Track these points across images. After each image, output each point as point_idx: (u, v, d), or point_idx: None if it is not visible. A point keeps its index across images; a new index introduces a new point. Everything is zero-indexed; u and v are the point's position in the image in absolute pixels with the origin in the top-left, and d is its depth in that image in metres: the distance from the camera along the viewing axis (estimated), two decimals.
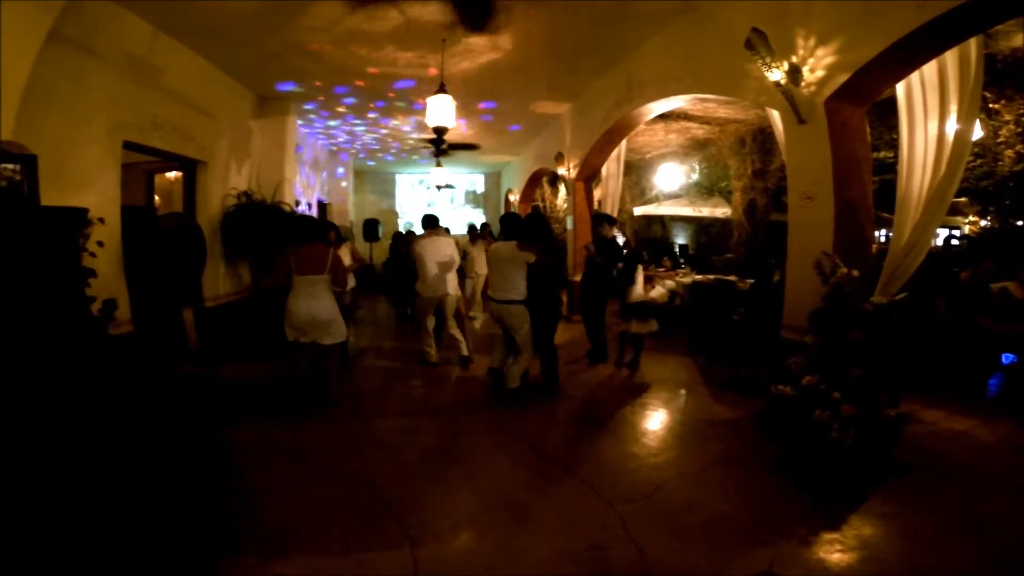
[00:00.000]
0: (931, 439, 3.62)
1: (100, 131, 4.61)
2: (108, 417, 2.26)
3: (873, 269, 3.99)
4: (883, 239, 8.46)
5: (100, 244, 3.73)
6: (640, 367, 5.52)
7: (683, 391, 4.86)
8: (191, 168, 6.41)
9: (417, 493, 2.99)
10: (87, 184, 4.41)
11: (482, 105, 8.50)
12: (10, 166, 2.15)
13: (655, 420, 4.21)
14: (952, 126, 3.73)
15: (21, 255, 2.07)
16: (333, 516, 2.76)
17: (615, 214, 8.84)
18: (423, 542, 2.51)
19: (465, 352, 5.66)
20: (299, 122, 8.89)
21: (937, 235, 7.57)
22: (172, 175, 7.72)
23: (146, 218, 5.79)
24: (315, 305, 4.18)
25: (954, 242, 8.05)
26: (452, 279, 5.62)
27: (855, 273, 3.45)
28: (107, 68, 4.61)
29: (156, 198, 7.64)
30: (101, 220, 3.94)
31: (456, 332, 5.70)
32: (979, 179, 6.89)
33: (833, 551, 2.38)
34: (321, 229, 4.66)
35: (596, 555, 2.40)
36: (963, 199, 7.45)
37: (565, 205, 11.60)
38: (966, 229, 9.33)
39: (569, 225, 9.02)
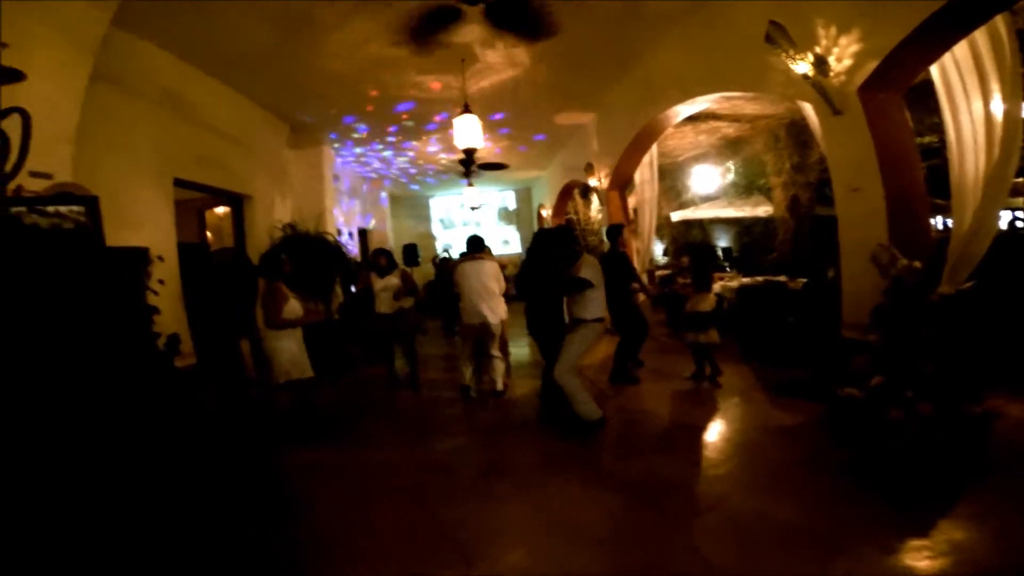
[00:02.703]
0: (1020, 434, 3.35)
1: (151, 169, 4.85)
2: (179, 447, 2.35)
3: (936, 258, 3.78)
4: (940, 226, 8.03)
5: (161, 282, 3.93)
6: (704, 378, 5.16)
7: (740, 399, 4.69)
8: (238, 203, 6.72)
9: (469, 512, 2.97)
10: (144, 223, 4.65)
11: (506, 120, 8.59)
12: (76, 208, 2.27)
13: (713, 431, 4.07)
14: (998, 106, 3.55)
15: (93, 296, 2.19)
16: (388, 536, 2.77)
17: (653, 221, 8.73)
18: (477, 561, 2.48)
19: (500, 386, 5.27)
20: (333, 150, 9.18)
21: (1000, 218, 7.15)
22: (220, 211, 8.11)
23: (200, 254, 6.09)
24: (300, 343, 4.17)
25: (1019, 224, 7.57)
26: (496, 306, 5.20)
27: (917, 264, 3.28)
28: (148, 105, 4.84)
29: (208, 234, 8.04)
30: (160, 258, 4.15)
31: (497, 362, 5.31)
32: None
33: (921, 557, 2.21)
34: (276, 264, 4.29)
35: (661, 569, 2.31)
36: (1021, 179, 7.04)
37: (600, 216, 11.54)
38: None
39: (605, 236, 8.96)
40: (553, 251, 4.26)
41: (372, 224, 12.67)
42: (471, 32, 5.20)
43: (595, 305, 4.08)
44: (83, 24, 3.42)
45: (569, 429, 4.03)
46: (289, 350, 4.05)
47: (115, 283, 2.36)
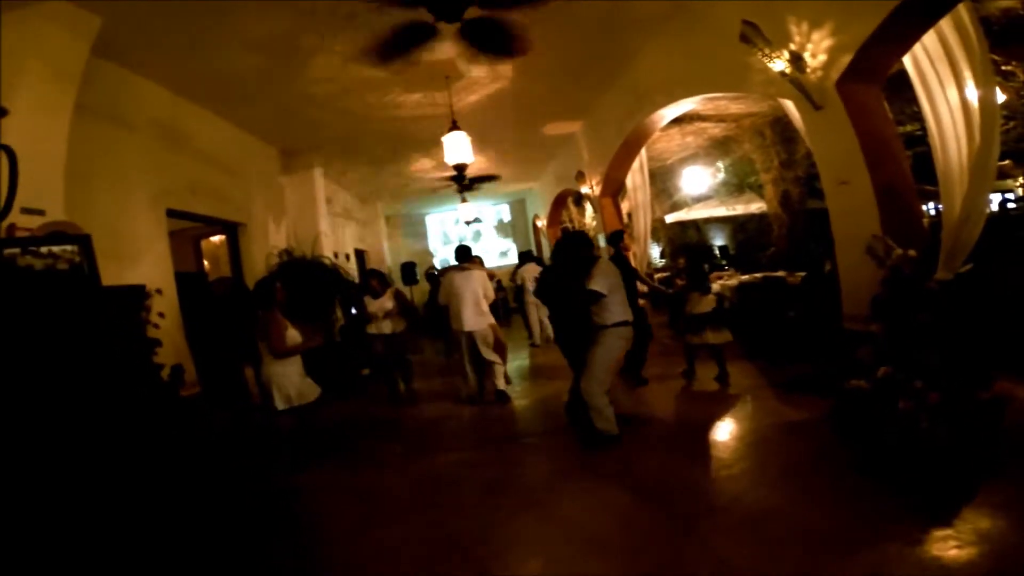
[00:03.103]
0: None
1: (144, 201, 4.83)
2: (186, 473, 2.34)
3: (930, 245, 3.80)
4: (932, 212, 8.09)
5: (161, 315, 3.93)
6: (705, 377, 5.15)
7: (747, 397, 4.67)
8: (233, 231, 6.73)
9: (481, 525, 2.94)
10: (140, 256, 4.63)
11: (495, 133, 8.64)
12: (69, 248, 2.27)
13: (722, 430, 4.05)
14: (973, 93, 3.59)
15: (91, 336, 2.18)
16: (401, 554, 2.74)
17: (647, 225, 8.76)
18: (492, 574, 2.45)
19: (501, 385, 5.35)
20: (323, 172, 9.20)
21: (990, 202, 7.22)
22: (217, 239, 8.11)
23: (198, 283, 6.09)
24: (300, 369, 4.15)
25: (1010, 205, 7.63)
26: (482, 314, 5.32)
27: (912, 253, 3.30)
28: (137, 137, 4.83)
29: (205, 263, 8.03)
30: (159, 291, 4.16)
31: (496, 367, 5.36)
32: (1017, 141, 6.64)
33: (948, 548, 2.17)
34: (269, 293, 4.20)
35: (677, 573, 2.29)
36: (1007, 162, 7.12)
37: (594, 223, 11.58)
38: (1020, 191, 8.84)
39: (602, 243, 8.99)
40: (567, 259, 4.11)
41: (368, 244, 12.69)
42: (449, 49, 5.25)
43: (616, 309, 3.89)
44: (64, 56, 3.41)
45: (585, 439, 3.96)
46: (288, 376, 4.03)
47: (112, 322, 2.35)
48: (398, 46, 4.97)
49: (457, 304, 5.23)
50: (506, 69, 6.00)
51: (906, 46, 3.68)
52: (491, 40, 5.04)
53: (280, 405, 3.98)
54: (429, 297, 9.76)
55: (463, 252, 5.66)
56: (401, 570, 2.60)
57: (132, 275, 4.19)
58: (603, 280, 3.85)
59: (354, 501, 3.49)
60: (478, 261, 5.84)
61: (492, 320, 5.46)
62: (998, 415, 2.91)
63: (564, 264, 4.15)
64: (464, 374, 5.48)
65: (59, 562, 1.78)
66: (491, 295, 5.46)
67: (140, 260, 4.64)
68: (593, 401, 3.85)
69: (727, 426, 4.11)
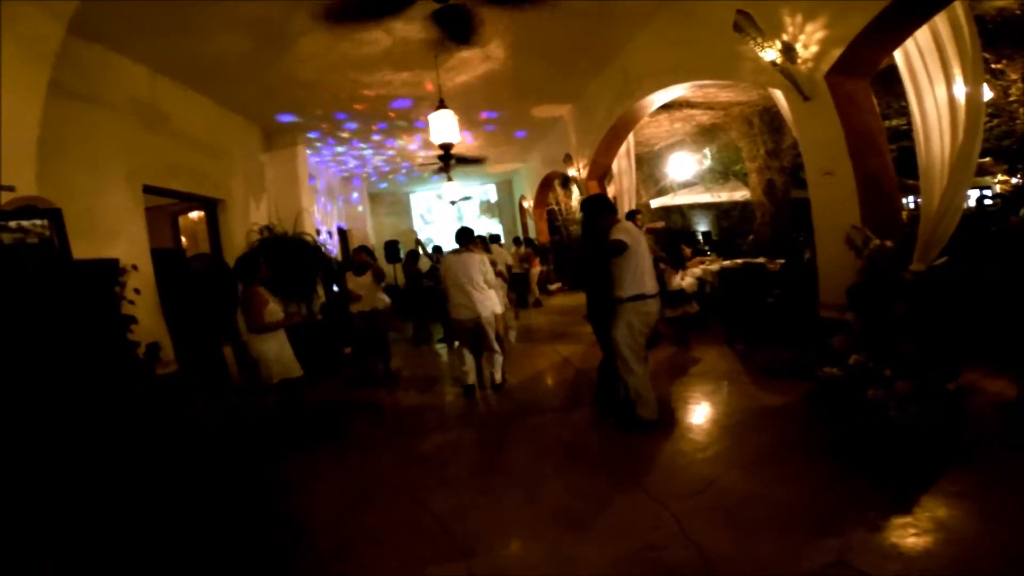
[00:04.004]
0: (999, 411, 3.42)
1: (119, 178, 4.77)
2: (161, 454, 2.31)
3: (908, 237, 3.88)
4: (912, 206, 8.24)
5: (137, 291, 3.85)
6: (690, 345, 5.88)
7: (725, 381, 4.76)
8: (212, 207, 6.59)
9: (464, 506, 2.99)
10: (116, 232, 4.56)
11: (483, 115, 8.57)
12: (39, 222, 2.20)
13: (700, 414, 4.13)
14: (961, 90, 3.65)
15: (60, 311, 2.13)
16: (386, 535, 2.78)
17: (632, 208, 8.78)
18: (476, 554, 2.51)
19: (499, 379, 5.17)
20: (308, 151, 9.07)
21: (968, 197, 7.37)
22: (195, 215, 7.94)
23: (176, 260, 5.96)
24: (283, 343, 4.13)
25: (987, 202, 7.80)
26: (488, 299, 4.96)
27: (888, 244, 3.36)
28: (115, 115, 4.78)
29: (183, 239, 7.87)
30: (134, 267, 4.08)
31: (496, 356, 5.14)
32: (999, 139, 6.76)
33: (907, 535, 2.27)
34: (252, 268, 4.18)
35: (652, 556, 2.35)
36: (987, 159, 7.25)
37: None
38: (997, 188, 9.04)
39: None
40: (589, 222, 3.90)
41: (351, 222, 12.53)
42: (425, 28, 5.15)
43: (632, 279, 3.66)
44: (38, 34, 3.34)
45: (621, 423, 3.88)
46: (274, 352, 4.02)
47: (84, 296, 2.29)
48: (368, 8, 4.80)
49: (455, 291, 4.92)
50: (496, 50, 5.91)
51: (899, 41, 3.70)
52: (455, 25, 4.99)
53: (271, 380, 3.98)
54: (406, 277, 9.55)
55: (463, 234, 5.21)
56: (386, 550, 2.64)
57: (108, 251, 4.11)
58: (625, 235, 3.64)
59: (338, 483, 3.50)
60: (479, 243, 5.45)
61: (497, 308, 5.10)
62: (962, 406, 3.01)
63: (587, 228, 4.00)
64: (462, 362, 5.19)
65: (28, 541, 1.76)
66: (492, 280, 5.08)
67: (116, 236, 4.55)
68: (630, 382, 3.72)
69: (705, 409, 4.19)
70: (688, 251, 9.32)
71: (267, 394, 4.01)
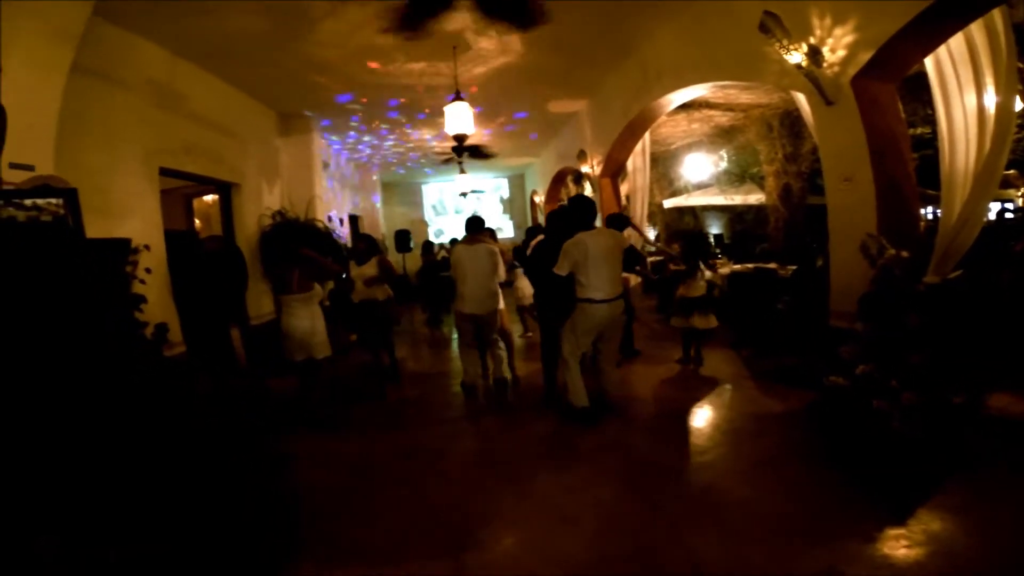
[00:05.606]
0: (1003, 427, 3.38)
1: (136, 159, 4.81)
2: (167, 436, 2.34)
3: (924, 248, 3.80)
4: (930, 216, 8.09)
5: (148, 271, 3.89)
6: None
7: (729, 385, 4.73)
8: (226, 190, 6.63)
9: (461, 499, 3.01)
10: (130, 212, 4.61)
11: (499, 108, 8.52)
12: (53, 201, 2.23)
13: (701, 417, 4.11)
14: (991, 99, 3.56)
15: (72, 288, 2.16)
16: (384, 524, 2.80)
17: (644, 208, 8.72)
18: (468, 548, 2.52)
19: (507, 374, 5.02)
20: (322, 137, 9.10)
21: (989, 209, 7.22)
22: (209, 198, 8.00)
23: (188, 242, 6.02)
24: (314, 322, 4.30)
25: (1008, 215, 7.63)
26: (494, 294, 4.85)
27: (904, 254, 3.30)
28: (134, 96, 4.81)
29: (196, 221, 7.93)
30: (147, 247, 4.12)
31: (500, 352, 5.05)
32: None
33: (899, 547, 2.26)
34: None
35: (644, 558, 2.35)
36: (1012, 172, 7.07)
37: None
38: (1020, 202, 8.84)
39: (598, 223, 8.93)
40: (551, 231, 4.26)
41: (363, 210, 12.56)
42: (462, 20, 5.13)
43: (583, 284, 3.91)
44: (64, 16, 3.36)
45: (561, 413, 4.17)
46: (301, 328, 4.20)
47: (95, 275, 2.32)
48: (412, 14, 4.86)
49: (465, 284, 4.76)
50: (514, 42, 5.86)
51: (932, 47, 3.60)
52: (507, 9, 4.93)
53: (294, 356, 4.23)
54: (422, 266, 9.96)
55: (474, 223, 5.04)
56: (383, 538, 2.66)
57: (122, 231, 4.17)
58: (566, 262, 3.93)
59: (340, 470, 3.53)
60: (489, 234, 5.27)
61: (500, 304, 5.00)
62: (967, 420, 2.97)
63: (552, 234, 4.28)
64: (465, 359, 5.11)
65: (30, 518, 1.79)
66: (502, 273, 4.94)
67: (130, 216, 4.60)
68: (564, 374, 4.13)
69: (706, 413, 4.16)
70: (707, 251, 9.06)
71: (288, 372, 4.20)
